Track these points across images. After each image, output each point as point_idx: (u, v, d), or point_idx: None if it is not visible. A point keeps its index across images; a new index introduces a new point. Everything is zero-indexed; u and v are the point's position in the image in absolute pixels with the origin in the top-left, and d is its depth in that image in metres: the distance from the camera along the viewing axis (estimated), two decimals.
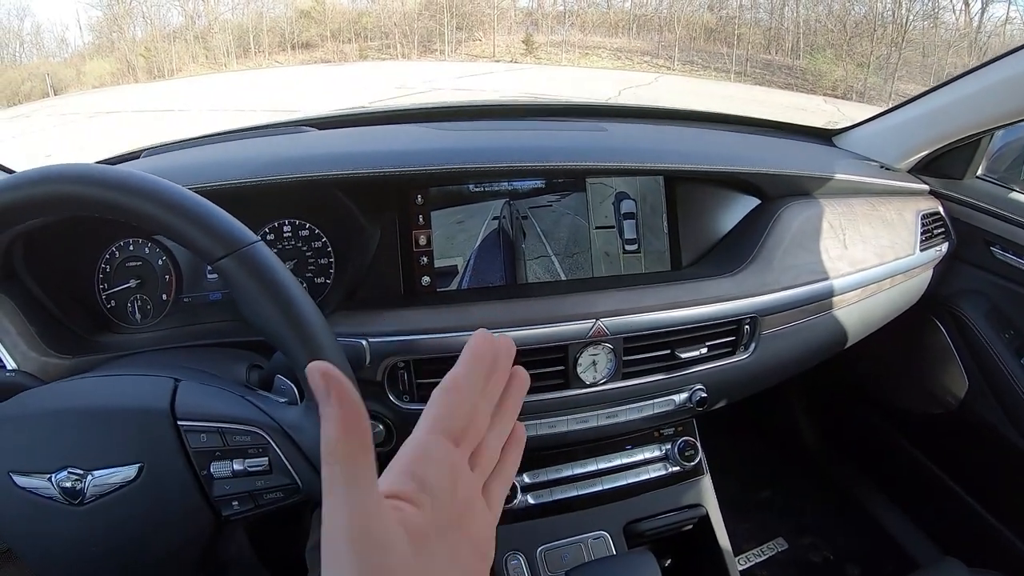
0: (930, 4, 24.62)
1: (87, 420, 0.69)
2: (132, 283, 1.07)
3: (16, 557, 1.19)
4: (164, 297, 1.09)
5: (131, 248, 1.08)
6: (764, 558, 1.89)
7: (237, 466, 0.68)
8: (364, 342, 0.93)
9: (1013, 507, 1.61)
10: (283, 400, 0.74)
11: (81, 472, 0.66)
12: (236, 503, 0.69)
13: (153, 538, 0.70)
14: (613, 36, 30.24)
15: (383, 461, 0.43)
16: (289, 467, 0.68)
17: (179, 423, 0.67)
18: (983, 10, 24.27)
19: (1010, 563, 1.57)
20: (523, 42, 30.26)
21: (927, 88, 1.51)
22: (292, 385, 0.76)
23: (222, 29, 30.72)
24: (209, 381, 0.75)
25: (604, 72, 26.52)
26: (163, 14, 30.68)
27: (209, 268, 1.10)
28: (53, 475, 0.66)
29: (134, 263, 1.08)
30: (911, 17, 24.48)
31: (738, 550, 1.75)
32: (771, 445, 2.30)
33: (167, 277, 1.09)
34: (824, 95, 22.90)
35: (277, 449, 0.68)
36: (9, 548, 0.73)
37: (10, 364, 0.92)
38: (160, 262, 1.09)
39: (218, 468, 0.68)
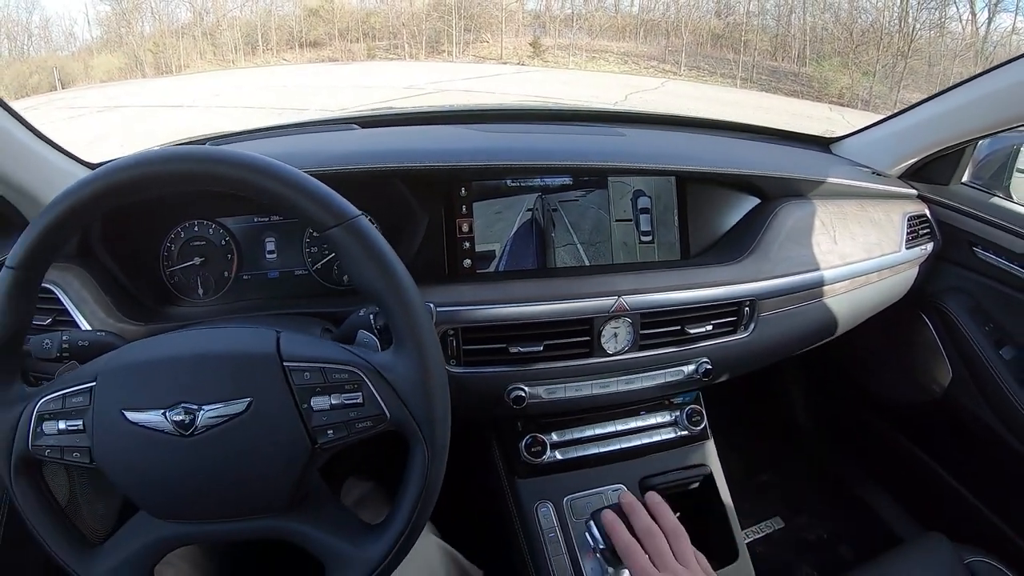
0: (937, 14, 24.42)
1: (200, 363, 0.76)
2: (196, 261, 1.20)
3: (82, 509, 1.31)
4: (226, 274, 1.22)
5: (195, 229, 1.20)
6: (762, 535, 2.01)
7: (335, 400, 0.76)
8: (432, 305, 1.06)
9: (992, 487, 1.71)
10: (369, 350, 0.84)
11: (194, 407, 0.73)
12: (331, 431, 0.77)
13: (256, 464, 0.76)
14: (620, 40, 29.93)
15: None
16: (380, 400, 0.77)
17: (285, 363, 0.76)
18: (989, 20, 24.10)
19: (989, 538, 1.67)
20: (530, 45, 29.97)
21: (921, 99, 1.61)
22: (374, 338, 0.88)
23: (230, 26, 30.48)
24: (304, 333, 0.87)
25: (611, 76, 26.24)
26: (171, 10, 30.44)
27: (271, 247, 1.23)
28: (167, 410, 0.73)
29: (198, 243, 1.20)
30: (918, 26, 24.28)
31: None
32: (770, 433, 2.40)
33: (229, 256, 1.22)
34: (830, 103, 22.69)
35: (371, 385, 0.77)
36: (112, 484, 0.81)
37: (87, 328, 1.04)
38: (223, 242, 1.21)
39: (318, 402, 0.76)
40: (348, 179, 1.11)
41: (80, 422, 0.76)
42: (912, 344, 1.79)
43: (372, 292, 0.78)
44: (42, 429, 0.77)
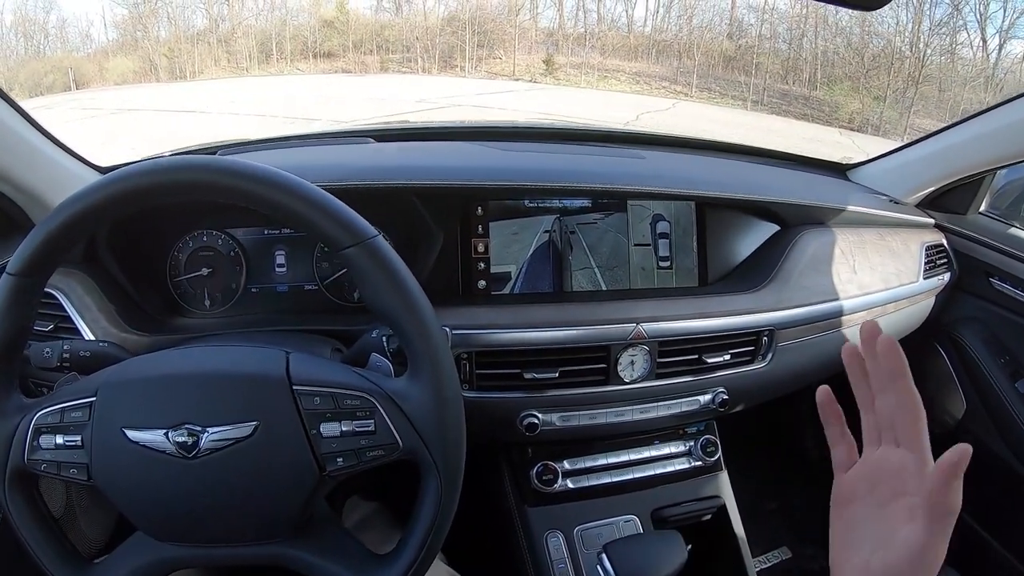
0: (948, 40, 24.42)
1: (207, 383, 0.74)
2: (204, 271, 1.18)
3: (73, 526, 1.29)
4: (234, 286, 1.20)
5: (204, 239, 1.19)
6: (769, 565, 1.97)
7: (345, 427, 0.74)
8: (448, 329, 1.05)
9: (1005, 521, 1.67)
10: (381, 375, 0.82)
11: (198, 428, 0.71)
12: (341, 459, 0.75)
13: (260, 490, 0.75)
14: (633, 60, 29.97)
15: None
16: (393, 429, 0.75)
17: (294, 387, 0.74)
18: (1000, 47, 24.13)
19: (1001, 573, 1.65)
20: (543, 62, 30.01)
21: (941, 123, 1.60)
22: (388, 362, 0.86)
23: (245, 34, 30.56)
24: (314, 355, 0.84)
25: (622, 96, 26.31)
26: (187, 16, 30.51)
27: (281, 260, 1.22)
28: (169, 431, 0.71)
29: (206, 253, 1.19)
30: (929, 52, 24.29)
31: None
32: (779, 461, 2.36)
33: (237, 268, 1.20)
34: (840, 127, 22.69)
35: (383, 413, 0.75)
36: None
37: (90, 337, 1.02)
38: (232, 253, 1.20)
39: (327, 428, 0.74)
40: (362, 194, 1.10)
41: (78, 438, 0.74)
42: (925, 375, 1.77)
43: (388, 316, 0.77)
44: (39, 443, 0.75)
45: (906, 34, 24.68)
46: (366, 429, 0.75)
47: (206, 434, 0.72)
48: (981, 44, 24.30)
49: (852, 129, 22.70)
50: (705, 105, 25.71)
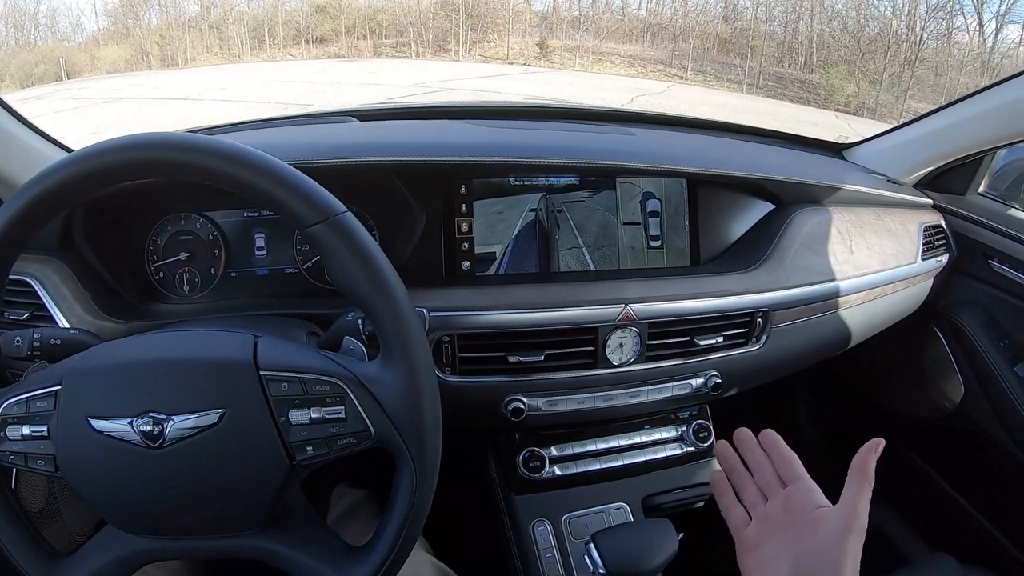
0: (944, 24, 24.46)
1: (171, 370, 0.71)
2: (182, 256, 1.14)
3: (55, 518, 1.27)
4: (213, 271, 1.17)
5: (182, 223, 1.15)
6: None
7: (315, 414, 0.71)
8: (425, 310, 1.00)
9: (1003, 507, 1.66)
10: (353, 359, 0.78)
11: (163, 417, 0.68)
12: (311, 448, 0.72)
13: (228, 480, 0.72)
14: (627, 43, 30.00)
15: None
16: (364, 416, 0.72)
17: (261, 372, 0.71)
18: (997, 32, 24.16)
19: (999, 560, 1.62)
20: (537, 46, 30.03)
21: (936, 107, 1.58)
22: (361, 346, 0.82)
23: (237, 20, 30.55)
24: (285, 339, 0.80)
25: (617, 79, 26.35)
26: (179, 2, 30.43)
27: (260, 243, 1.18)
28: (134, 419, 0.68)
29: (185, 237, 1.15)
30: (925, 36, 24.33)
31: None
32: None
33: (216, 252, 1.16)
34: (835, 110, 22.75)
35: (354, 399, 0.72)
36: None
37: (65, 325, 0.99)
38: (210, 237, 1.16)
39: (296, 415, 0.71)
40: (342, 173, 1.06)
41: (44, 428, 0.71)
42: (923, 358, 1.75)
43: (357, 296, 0.73)
44: (6, 433, 0.72)
45: (902, 18, 24.70)
46: (336, 416, 0.72)
47: (171, 422, 0.69)
48: (978, 28, 24.40)
49: (848, 112, 22.78)
50: (700, 88, 25.76)
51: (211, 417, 0.69)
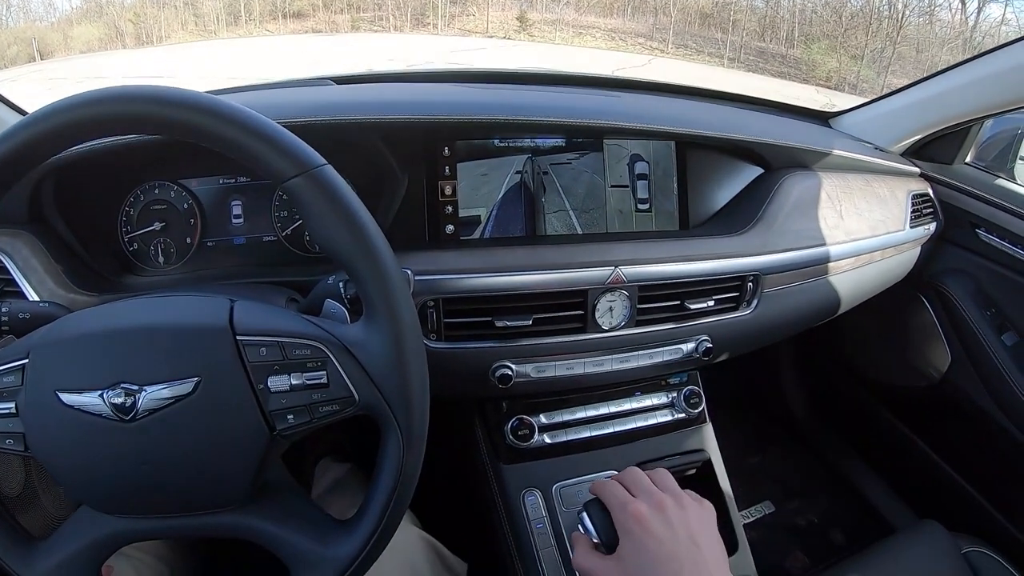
0: (927, 1, 24.61)
1: (142, 337, 0.68)
2: (156, 226, 1.10)
3: (34, 502, 1.24)
4: (188, 241, 1.12)
5: (156, 191, 1.10)
6: (752, 520, 1.97)
7: (295, 380, 0.68)
8: (410, 271, 0.97)
9: (989, 474, 1.68)
10: (336, 322, 0.75)
11: (135, 388, 0.65)
12: (292, 416, 0.69)
13: (206, 453, 0.69)
14: (608, 17, 29.98)
15: None
16: (347, 381, 0.69)
17: (238, 337, 0.68)
18: (979, 10, 24.30)
19: (985, 527, 1.64)
20: (517, 19, 29.95)
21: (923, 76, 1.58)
22: (343, 309, 0.79)
23: None
24: (262, 303, 0.77)
25: (598, 52, 26.31)
26: None
27: (237, 211, 1.14)
28: (104, 391, 0.65)
29: (159, 206, 1.11)
30: (907, 13, 24.47)
31: None
32: (762, 415, 2.37)
33: (192, 221, 1.12)
34: (817, 85, 22.86)
35: (336, 363, 0.69)
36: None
37: (36, 298, 0.95)
38: (185, 206, 1.12)
39: (275, 382, 0.68)
40: (320, 132, 1.02)
41: (12, 405, 0.67)
42: (910, 327, 1.76)
43: (338, 254, 0.69)
44: None
45: None
46: (318, 382, 0.69)
47: (144, 393, 0.65)
48: (960, 6, 24.48)
49: (829, 87, 22.88)
50: (681, 62, 25.79)
51: (186, 386, 0.66)
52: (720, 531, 0.88)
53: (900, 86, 1.64)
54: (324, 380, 0.69)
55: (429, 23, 30.06)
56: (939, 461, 1.80)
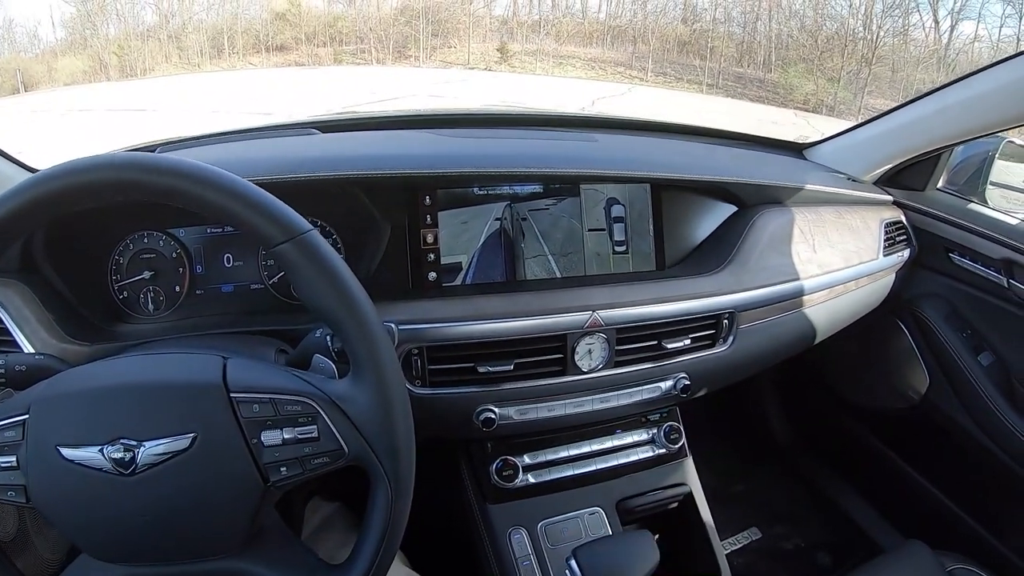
0: (901, 22, 24.90)
1: (140, 394, 0.70)
2: (146, 275, 1.11)
3: (26, 547, 1.25)
4: (177, 289, 1.14)
5: (145, 241, 1.12)
6: (739, 546, 1.97)
7: (287, 434, 0.71)
8: (393, 325, 1.00)
9: (971, 492, 1.70)
10: (324, 377, 0.78)
11: (134, 443, 0.67)
12: (284, 468, 0.71)
13: (202, 505, 0.71)
14: (587, 46, 30.14)
15: None
16: (337, 434, 0.72)
17: (232, 395, 0.70)
18: (952, 28, 24.64)
19: (970, 545, 1.65)
20: (497, 50, 30.07)
21: (895, 104, 1.59)
22: (331, 363, 0.81)
23: (196, 29, 30.16)
24: (253, 359, 0.79)
25: (578, 82, 26.47)
26: (137, 12, 29.95)
27: (226, 259, 1.16)
28: (104, 447, 0.67)
29: (148, 255, 1.12)
30: (882, 34, 24.73)
31: None
32: (745, 441, 2.38)
33: (180, 269, 1.14)
34: (795, 108, 23.06)
35: (326, 418, 0.71)
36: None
37: (29, 350, 0.96)
38: (174, 255, 1.13)
39: (268, 436, 0.70)
40: (306, 188, 1.05)
41: (13, 458, 0.69)
42: (888, 351, 1.78)
43: (326, 314, 0.73)
44: None
45: (859, 16, 25.08)
46: (309, 436, 0.71)
47: (142, 448, 0.68)
48: (933, 25, 24.83)
49: (807, 110, 23.09)
50: (661, 89, 25.96)
51: (183, 442, 0.69)
52: (701, 562, 0.91)
53: (876, 107, 1.67)
54: (315, 434, 0.71)
55: (411, 55, 30.17)
56: (922, 481, 1.82)
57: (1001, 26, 24.09)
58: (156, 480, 0.68)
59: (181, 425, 0.69)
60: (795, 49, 26.15)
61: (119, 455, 0.67)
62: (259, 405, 0.71)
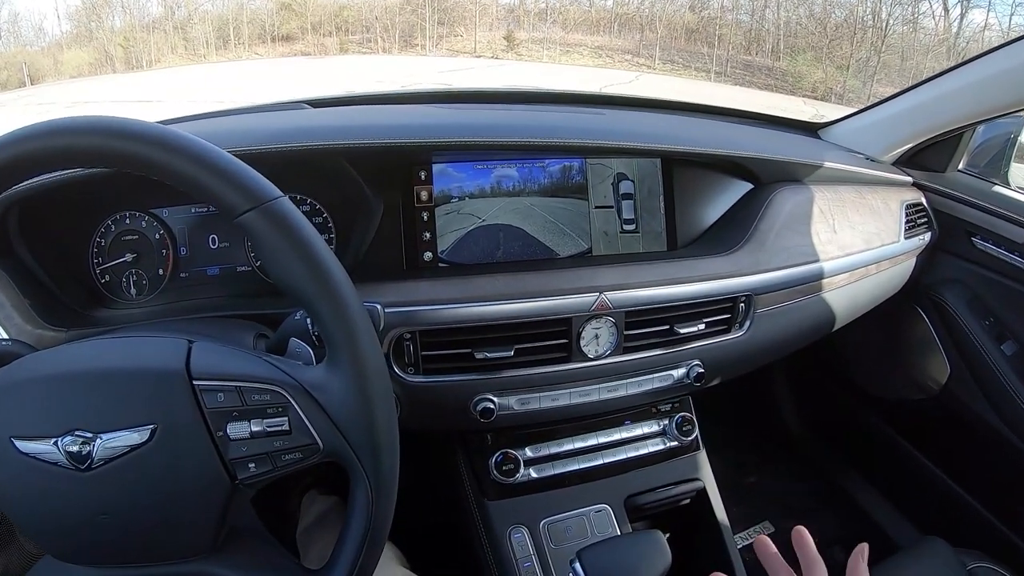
0: (910, 10, 24.82)
1: (96, 382, 0.65)
2: (128, 257, 1.06)
3: (10, 541, 1.19)
4: (160, 272, 1.08)
5: (127, 222, 1.06)
6: (751, 541, 1.92)
7: (255, 427, 0.65)
8: (379, 306, 0.93)
9: (993, 488, 1.64)
10: (299, 363, 0.72)
11: (89, 435, 0.63)
12: (253, 465, 0.66)
13: (165, 503, 0.66)
14: (594, 34, 30.22)
15: None
16: (310, 427, 0.66)
17: (195, 382, 0.64)
18: (962, 16, 24.52)
19: (991, 542, 1.59)
20: (504, 38, 30.18)
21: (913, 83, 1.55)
22: (308, 348, 0.75)
23: (202, 20, 30.33)
24: (223, 343, 0.73)
25: (585, 70, 26.52)
26: (142, 4, 30.07)
27: (211, 241, 1.10)
28: (58, 439, 0.62)
29: (130, 237, 1.07)
30: (891, 22, 24.67)
31: None
32: (759, 432, 2.33)
33: (164, 251, 1.08)
34: (803, 96, 23.04)
35: (298, 409, 0.65)
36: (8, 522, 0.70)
37: (3, 335, 0.91)
38: (157, 236, 1.08)
39: (235, 429, 0.65)
40: (292, 160, 0.99)
41: None
42: (907, 339, 1.73)
43: (296, 292, 0.65)
44: None
45: (868, 4, 25.00)
46: (279, 428, 0.65)
47: (99, 441, 0.62)
48: (943, 13, 24.73)
49: (816, 98, 23.04)
50: (668, 77, 25.97)
51: (142, 434, 0.63)
52: (714, 560, 0.85)
53: (887, 95, 1.61)
54: (286, 427, 0.65)
55: (417, 44, 30.28)
56: (941, 475, 1.77)
57: (1012, 14, 23.90)
58: (115, 476, 0.63)
59: (140, 416, 0.63)
60: (804, 37, 26.16)
61: (74, 448, 0.62)
62: (223, 394, 0.64)
